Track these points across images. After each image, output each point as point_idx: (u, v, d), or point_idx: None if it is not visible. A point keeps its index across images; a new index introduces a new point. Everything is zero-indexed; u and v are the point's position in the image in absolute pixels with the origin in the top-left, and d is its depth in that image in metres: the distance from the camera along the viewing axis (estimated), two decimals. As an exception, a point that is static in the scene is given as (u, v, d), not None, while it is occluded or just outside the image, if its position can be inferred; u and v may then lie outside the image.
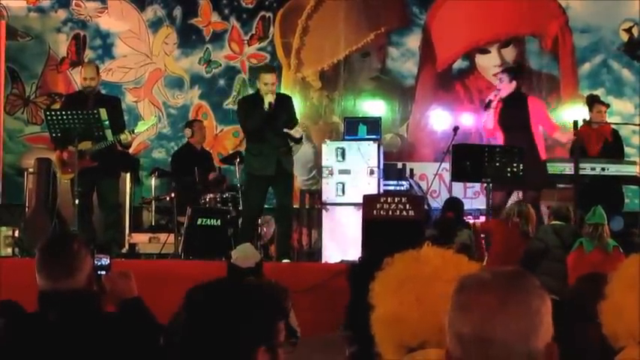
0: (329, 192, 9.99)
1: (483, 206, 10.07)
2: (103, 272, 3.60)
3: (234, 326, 2.13)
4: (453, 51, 12.70)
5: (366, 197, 9.19)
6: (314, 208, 10.92)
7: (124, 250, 10.11)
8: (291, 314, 5.50)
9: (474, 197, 10.62)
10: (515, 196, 10.03)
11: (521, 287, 1.87)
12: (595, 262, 7.48)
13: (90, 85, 9.56)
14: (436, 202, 10.86)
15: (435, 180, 11.31)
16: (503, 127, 9.96)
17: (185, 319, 2.19)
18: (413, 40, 12.74)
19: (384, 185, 10.46)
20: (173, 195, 10.20)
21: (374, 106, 12.38)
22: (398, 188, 10.77)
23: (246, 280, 2.82)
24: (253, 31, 12.80)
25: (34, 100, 12.71)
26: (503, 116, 9.94)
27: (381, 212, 8.82)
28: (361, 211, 9.15)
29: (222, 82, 12.79)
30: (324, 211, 10.01)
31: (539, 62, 12.61)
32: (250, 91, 11.84)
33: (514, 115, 9.90)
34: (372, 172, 9.92)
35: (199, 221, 9.46)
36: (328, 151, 10.06)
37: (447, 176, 10.92)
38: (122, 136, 9.26)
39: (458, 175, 9.91)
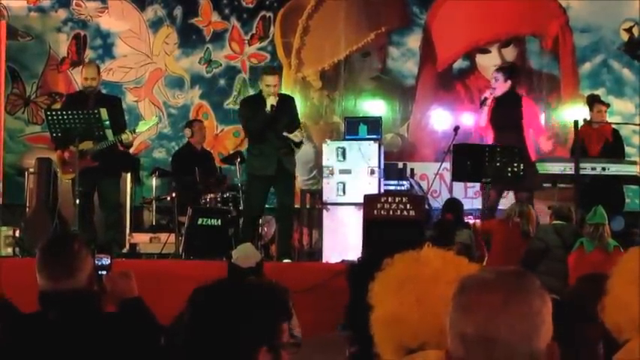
0: (330, 192, 9.99)
1: (484, 206, 10.07)
2: (104, 272, 3.60)
3: (235, 326, 2.13)
4: (454, 51, 12.69)
5: (366, 197, 9.19)
6: (315, 208, 10.92)
7: (124, 250, 10.12)
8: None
9: (474, 197, 10.62)
10: (509, 197, 10.06)
11: (524, 287, 1.87)
12: (596, 262, 7.48)
13: (91, 85, 9.57)
14: (437, 202, 10.86)
15: (435, 180, 11.31)
16: (495, 125, 9.94)
17: (187, 319, 2.19)
18: (413, 40, 12.74)
19: (385, 185, 10.46)
20: (174, 195, 10.20)
21: (374, 106, 12.38)
22: (398, 188, 10.77)
23: (248, 279, 2.83)
24: (254, 31, 12.80)
25: (35, 99, 12.72)
26: (495, 115, 9.93)
27: (382, 212, 8.83)
28: (362, 211, 9.15)
29: (222, 81, 12.79)
30: (324, 211, 10.01)
31: (540, 62, 12.61)
32: (251, 91, 11.86)
33: (506, 114, 9.88)
34: (372, 172, 9.91)
35: (200, 221, 9.47)
36: (329, 150, 10.06)
37: (447, 176, 10.92)
38: (123, 136, 9.27)
39: (458, 175, 9.92)
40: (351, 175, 9.92)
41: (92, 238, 9.11)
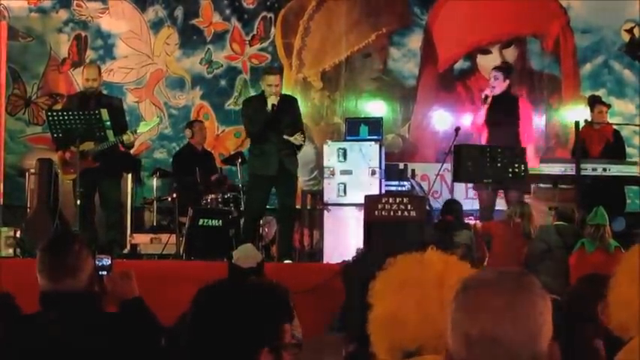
0: (330, 192, 9.97)
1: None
2: (105, 273, 3.60)
3: (237, 327, 2.13)
4: (455, 51, 12.70)
5: (367, 198, 9.18)
6: (315, 208, 10.92)
7: (125, 251, 10.11)
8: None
9: (475, 198, 10.61)
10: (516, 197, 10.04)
11: (527, 288, 1.88)
12: (597, 263, 7.49)
13: (92, 85, 9.57)
14: (438, 203, 10.84)
15: (436, 180, 11.31)
16: (489, 124, 9.93)
17: (189, 319, 2.20)
18: (414, 41, 12.75)
19: (386, 186, 10.44)
20: (174, 195, 10.20)
21: (375, 107, 12.38)
22: (399, 189, 10.75)
23: (249, 280, 2.82)
24: (254, 32, 12.81)
25: (36, 100, 12.72)
26: (490, 114, 9.91)
27: (383, 213, 8.82)
28: (363, 211, 9.15)
29: (223, 82, 12.80)
30: (325, 212, 10.00)
31: (541, 63, 12.62)
32: (252, 92, 11.87)
33: (502, 114, 9.87)
34: (373, 173, 9.90)
35: (201, 222, 9.47)
36: (330, 151, 10.05)
37: (448, 177, 10.91)
38: (124, 137, 9.27)
39: (459, 176, 9.91)
40: (351, 175, 9.91)
41: (93, 238, 9.11)
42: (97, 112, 9.03)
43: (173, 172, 10.77)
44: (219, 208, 9.84)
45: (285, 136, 9.29)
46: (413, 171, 11.39)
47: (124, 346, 3.27)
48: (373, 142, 10.04)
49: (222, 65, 12.80)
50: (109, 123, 9.02)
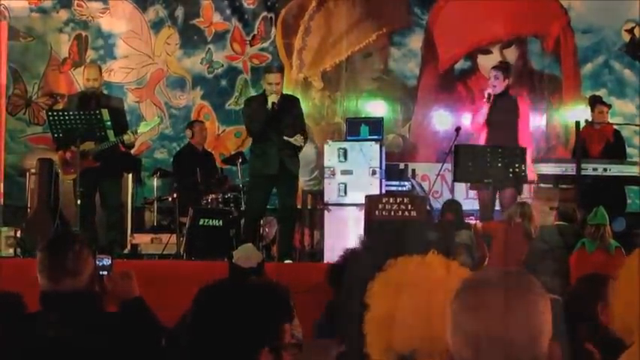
0: (331, 192, 9.98)
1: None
2: (105, 273, 3.60)
3: (237, 327, 2.13)
4: (455, 51, 12.69)
5: (368, 198, 9.19)
6: (316, 208, 10.92)
7: (125, 251, 10.12)
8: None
9: (475, 198, 10.61)
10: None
11: (529, 288, 1.88)
12: (597, 263, 7.49)
13: (93, 85, 9.58)
14: (438, 203, 10.85)
15: (437, 180, 11.31)
16: (489, 124, 9.91)
17: (190, 319, 2.20)
18: (415, 41, 12.74)
19: (386, 186, 10.45)
20: (175, 195, 10.20)
21: (376, 107, 12.38)
22: (400, 189, 10.75)
23: (249, 280, 2.82)
24: (255, 32, 12.81)
25: (36, 100, 12.72)
26: (490, 113, 9.89)
27: (383, 213, 8.82)
28: (363, 211, 9.15)
29: (224, 82, 12.79)
30: (326, 212, 10.00)
31: (541, 63, 12.61)
32: (252, 92, 11.86)
33: (502, 113, 9.86)
34: (374, 173, 9.91)
35: (201, 222, 9.47)
36: (330, 151, 10.06)
37: (449, 177, 10.92)
38: (125, 137, 9.27)
39: (460, 176, 9.91)
40: (352, 175, 9.91)
41: (93, 238, 9.11)
42: (97, 112, 9.03)
43: (173, 172, 10.77)
44: (219, 208, 9.84)
45: (285, 137, 9.29)
46: (413, 171, 11.40)
47: (125, 346, 3.27)
48: (374, 142, 10.04)
49: (222, 65, 12.79)
50: (109, 123, 9.02)
